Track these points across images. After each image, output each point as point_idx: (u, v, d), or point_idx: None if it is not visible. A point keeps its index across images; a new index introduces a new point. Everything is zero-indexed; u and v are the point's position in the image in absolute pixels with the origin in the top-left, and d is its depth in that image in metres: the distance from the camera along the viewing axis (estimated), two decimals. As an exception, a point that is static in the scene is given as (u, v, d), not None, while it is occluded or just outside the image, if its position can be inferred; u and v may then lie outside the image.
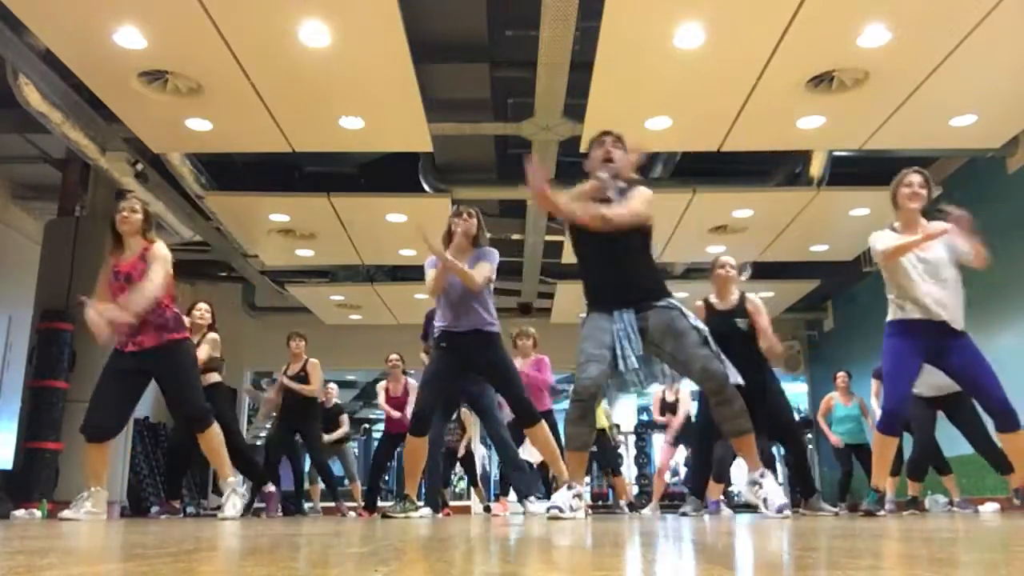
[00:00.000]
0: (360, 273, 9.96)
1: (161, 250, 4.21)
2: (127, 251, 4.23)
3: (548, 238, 8.39)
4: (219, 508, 4.52)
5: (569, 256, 8.71)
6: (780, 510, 3.37)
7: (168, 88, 5.38)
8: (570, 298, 10.55)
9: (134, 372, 4.16)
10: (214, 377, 6.06)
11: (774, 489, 3.42)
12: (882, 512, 4.21)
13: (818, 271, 9.72)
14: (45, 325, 6.84)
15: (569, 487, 3.47)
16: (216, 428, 4.29)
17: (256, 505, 6.55)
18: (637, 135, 6.03)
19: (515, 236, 8.53)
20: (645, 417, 12.93)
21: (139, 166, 6.65)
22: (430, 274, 4.23)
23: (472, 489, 9.76)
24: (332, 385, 8.83)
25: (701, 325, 3.33)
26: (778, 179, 7.35)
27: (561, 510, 3.36)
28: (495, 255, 4.32)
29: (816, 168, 7.06)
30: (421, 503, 5.40)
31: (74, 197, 7.68)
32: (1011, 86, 5.47)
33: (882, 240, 3.89)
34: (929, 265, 3.84)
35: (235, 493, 4.36)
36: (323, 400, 8.08)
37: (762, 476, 3.43)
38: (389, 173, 7.54)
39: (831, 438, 7.90)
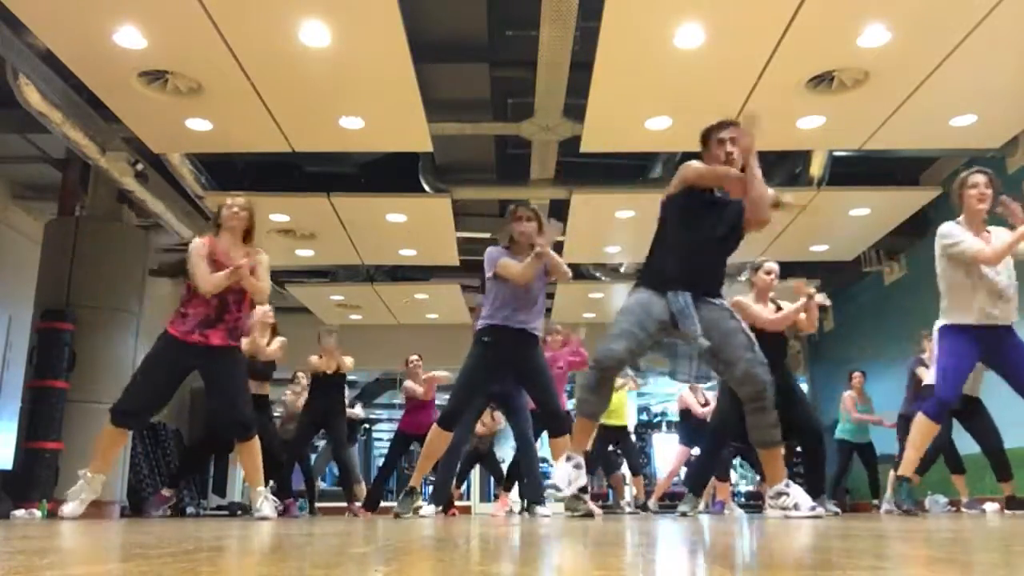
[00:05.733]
0: (360, 273, 9.95)
1: (267, 258, 4.32)
2: (236, 248, 4.26)
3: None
4: (247, 509, 4.52)
5: (568, 256, 8.73)
6: (812, 508, 3.36)
7: (168, 88, 5.38)
8: (570, 298, 10.55)
9: (184, 366, 4.16)
10: (266, 388, 6.06)
11: (801, 494, 3.39)
12: (919, 512, 4.20)
13: (818, 271, 9.72)
14: (45, 325, 6.83)
15: (568, 458, 3.42)
16: (257, 440, 4.28)
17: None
18: (637, 135, 6.08)
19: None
20: (645, 417, 12.92)
21: (139, 166, 6.65)
22: (512, 264, 4.08)
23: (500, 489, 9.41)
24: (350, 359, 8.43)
25: (748, 330, 3.27)
26: (778, 179, 7.33)
27: (559, 489, 3.39)
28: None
29: (816, 168, 7.05)
30: (426, 501, 5.37)
31: (74, 197, 7.67)
32: (1011, 86, 5.47)
33: (969, 239, 3.83)
34: (994, 271, 3.87)
35: (267, 500, 4.37)
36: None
37: (787, 486, 3.40)
38: (389, 173, 7.53)
39: (873, 419, 7.96)
